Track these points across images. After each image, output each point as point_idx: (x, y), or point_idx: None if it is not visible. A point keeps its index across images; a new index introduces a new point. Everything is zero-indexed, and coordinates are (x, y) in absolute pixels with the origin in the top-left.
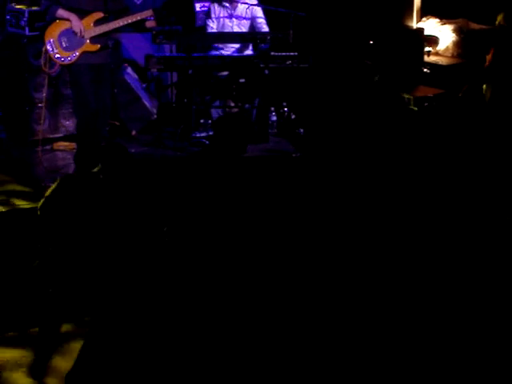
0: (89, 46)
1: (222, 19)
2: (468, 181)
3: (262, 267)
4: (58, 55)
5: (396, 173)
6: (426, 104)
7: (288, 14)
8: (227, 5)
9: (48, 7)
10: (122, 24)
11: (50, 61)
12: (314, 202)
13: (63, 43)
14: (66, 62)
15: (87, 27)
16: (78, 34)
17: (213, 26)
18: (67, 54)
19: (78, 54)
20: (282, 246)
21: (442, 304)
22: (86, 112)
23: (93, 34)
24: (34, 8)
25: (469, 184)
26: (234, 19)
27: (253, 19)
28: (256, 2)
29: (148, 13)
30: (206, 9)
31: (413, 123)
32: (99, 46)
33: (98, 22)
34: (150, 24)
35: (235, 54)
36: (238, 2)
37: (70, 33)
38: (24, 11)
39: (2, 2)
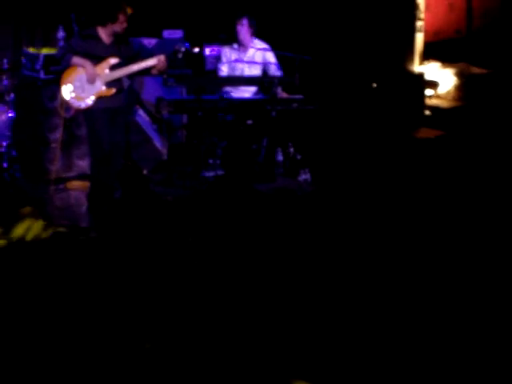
0: (104, 91)
1: (232, 62)
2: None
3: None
4: (73, 100)
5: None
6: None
7: (294, 58)
8: (238, 48)
9: (63, 55)
10: (136, 69)
11: (66, 105)
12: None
13: (79, 89)
14: (81, 107)
15: (102, 73)
16: (92, 80)
17: (224, 70)
18: (83, 98)
19: (93, 98)
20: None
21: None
22: (100, 154)
23: (107, 80)
24: (48, 51)
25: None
26: (244, 63)
27: (265, 64)
28: (267, 47)
29: (161, 58)
30: (215, 53)
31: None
32: (114, 90)
33: (112, 68)
34: (159, 68)
35: (243, 97)
36: (249, 47)
37: (85, 78)
38: (39, 55)
39: (17, 45)
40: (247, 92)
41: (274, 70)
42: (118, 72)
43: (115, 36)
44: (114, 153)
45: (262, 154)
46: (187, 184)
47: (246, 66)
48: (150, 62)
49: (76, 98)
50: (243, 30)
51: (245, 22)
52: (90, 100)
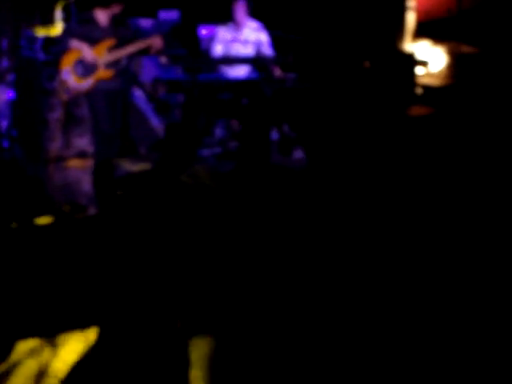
0: (103, 73)
1: (227, 42)
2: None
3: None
4: (73, 83)
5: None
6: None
7: (287, 38)
8: (233, 28)
9: (62, 38)
10: (133, 50)
11: (66, 87)
12: (314, 210)
13: (78, 71)
14: (81, 90)
15: (100, 55)
16: (91, 63)
17: (218, 49)
18: (82, 81)
19: (92, 80)
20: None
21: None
22: (101, 135)
23: (106, 61)
24: (46, 32)
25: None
26: (239, 42)
27: (258, 43)
28: (261, 26)
29: (157, 38)
30: (211, 33)
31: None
32: (113, 72)
33: (110, 49)
34: (156, 49)
35: (238, 77)
36: (243, 26)
37: (83, 61)
38: (38, 37)
39: (16, 26)
40: (242, 71)
41: (268, 50)
42: (115, 53)
43: (113, 18)
44: (114, 134)
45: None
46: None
47: (241, 45)
48: (147, 42)
49: (75, 80)
50: (239, 9)
51: (241, 1)
52: (89, 83)
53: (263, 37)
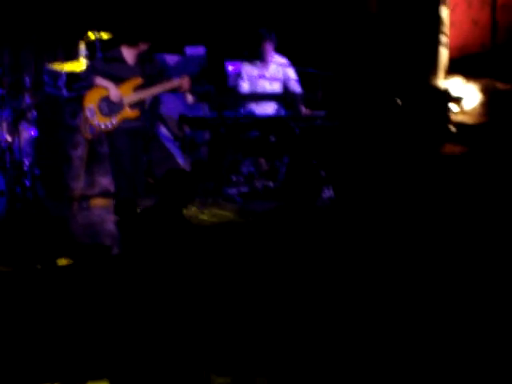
0: (127, 113)
1: (254, 79)
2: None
3: None
4: (97, 121)
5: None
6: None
7: (316, 75)
8: (259, 64)
9: (87, 76)
10: (160, 90)
11: (89, 126)
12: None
13: (102, 110)
14: (105, 128)
15: (126, 94)
16: (117, 102)
17: (245, 86)
18: (106, 120)
19: (117, 120)
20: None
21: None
22: (122, 173)
23: (132, 101)
24: (70, 67)
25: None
26: (266, 79)
27: (285, 79)
28: (288, 62)
29: (185, 79)
30: (237, 69)
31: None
32: (138, 112)
33: (136, 89)
34: (183, 90)
35: (266, 114)
36: (270, 62)
37: (108, 99)
38: (61, 73)
39: (39, 63)
40: (269, 108)
41: (295, 86)
42: (142, 93)
43: (139, 56)
44: (136, 171)
45: (283, 171)
46: (209, 201)
47: (267, 81)
48: (175, 83)
49: (99, 119)
50: (266, 45)
51: (268, 37)
52: (113, 122)
53: (290, 73)
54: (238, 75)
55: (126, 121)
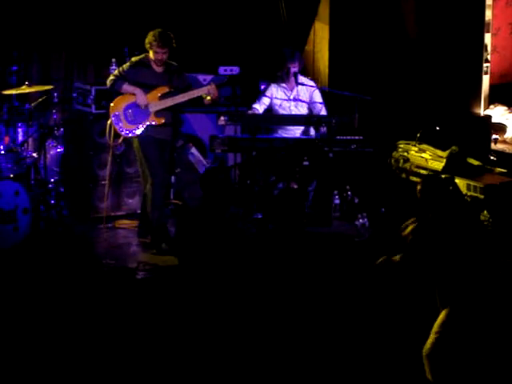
0: (153, 119)
1: (280, 101)
2: None
3: None
4: (122, 128)
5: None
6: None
7: (354, 98)
8: (285, 86)
9: (114, 82)
10: (185, 98)
11: (115, 133)
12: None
13: (128, 117)
14: (129, 135)
15: (152, 100)
16: (143, 108)
17: (265, 102)
18: (132, 127)
19: (141, 127)
20: None
21: None
22: (159, 178)
23: (158, 108)
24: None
25: None
26: (292, 101)
27: (311, 102)
28: (315, 85)
29: (212, 87)
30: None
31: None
32: (163, 120)
33: (163, 96)
34: (211, 97)
35: (300, 137)
36: (297, 85)
37: (134, 106)
38: (91, 89)
39: (68, 79)
40: (297, 131)
41: (321, 110)
42: (168, 100)
43: (166, 65)
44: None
45: (310, 197)
46: (239, 226)
47: (293, 104)
48: (201, 91)
49: (124, 125)
50: (289, 65)
51: (290, 57)
52: (138, 129)
53: (316, 96)
54: (261, 91)
55: (151, 129)
